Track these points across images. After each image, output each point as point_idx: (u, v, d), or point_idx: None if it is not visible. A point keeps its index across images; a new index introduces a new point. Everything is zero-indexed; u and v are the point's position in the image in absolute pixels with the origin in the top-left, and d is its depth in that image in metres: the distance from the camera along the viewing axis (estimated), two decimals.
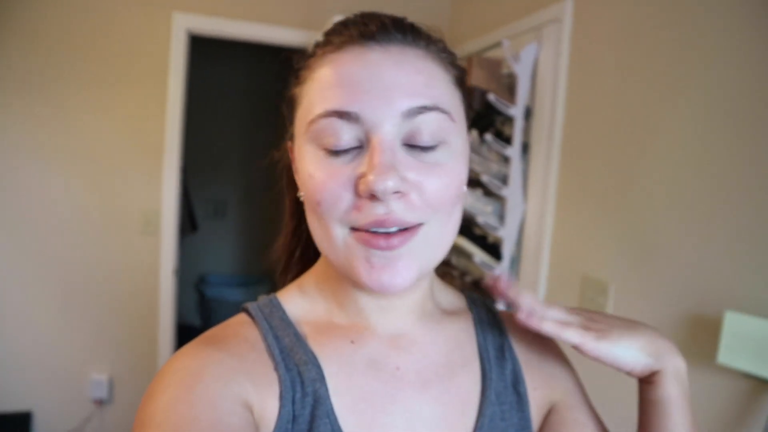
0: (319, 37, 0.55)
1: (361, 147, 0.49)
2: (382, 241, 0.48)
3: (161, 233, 2.50)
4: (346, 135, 0.48)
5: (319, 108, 0.49)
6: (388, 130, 0.48)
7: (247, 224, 4.60)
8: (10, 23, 2.23)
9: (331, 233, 0.50)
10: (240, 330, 0.56)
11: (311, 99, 0.51)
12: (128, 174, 2.45)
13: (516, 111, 1.80)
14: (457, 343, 0.61)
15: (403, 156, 0.48)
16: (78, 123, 2.36)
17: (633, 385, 0.63)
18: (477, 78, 1.88)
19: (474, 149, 1.91)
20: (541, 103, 1.76)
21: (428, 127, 0.49)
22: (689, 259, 1.22)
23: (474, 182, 1.93)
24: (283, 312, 0.58)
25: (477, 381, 0.60)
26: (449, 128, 0.50)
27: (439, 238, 0.51)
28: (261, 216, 4.57)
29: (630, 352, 0.56)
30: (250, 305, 0.59)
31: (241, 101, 4.40)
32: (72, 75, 2.33)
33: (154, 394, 0.46)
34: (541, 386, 0.63)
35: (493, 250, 1.93)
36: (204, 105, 4.09)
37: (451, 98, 0.52)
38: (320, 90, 0.50)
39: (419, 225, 0.50)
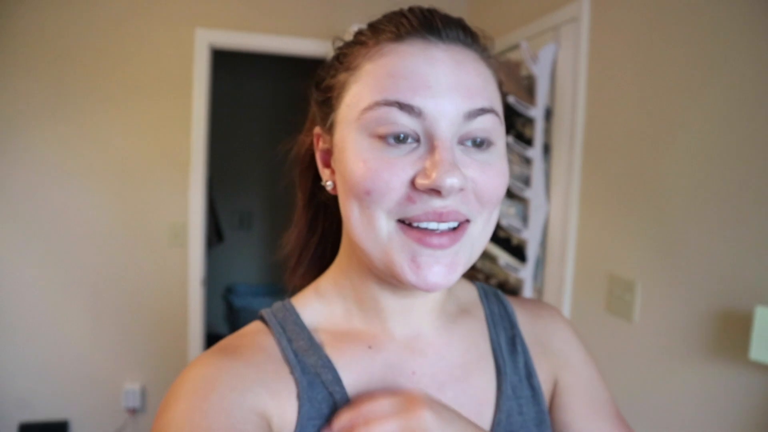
0: (356, 27, 0.54)
1: (418, 141, 0.48)
2: (435, 240, 0.48)
3: (189, 245, 2.55)
4: (405, 128, 0.47)
5: (378, 96, 0.48)
6: (450, 129, 0.48)
7: (272, 234, 4.65)
8: (34, 43, 2.31)
9: (375, 224, 0.49)
10: (255, 338, 0.56)
11: (366, 86, 0.49)
12: (155, 188, 2.51)
13: (536, 112, 1.80)
14: (471, 341, 0.61)
15: (459, 154, 0.49)
16: (105, 139, 2.42)
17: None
18: None
19: None
20: (561, 103, 1.76)
21: (483, 128, 0.49)
22: (716, 255, 1.20)
23: None
24: (297, 316, 0.58)
25: (492, 378, 0.60)
26: (498, 130, 0.51)
27: (479, 236, 0.52)
28: (286, 225, 4.60)
29: None
30: (265, 312, 0.59)
31: (264, 112, 4.47)
32: (98, 93, 2.40)
33: (169, 403, 0.47)
34: (550, 371, 0.64)
35: (518, 252, 1.93)
36: (228, 117, 4.16)
37: (498, 101, 0.53)
38: (379, 78, 0.49)
39: (467, 222, 0.50)
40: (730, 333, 1.16)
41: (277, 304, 0.60)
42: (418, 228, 0.48)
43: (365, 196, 0.48)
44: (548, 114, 1.81)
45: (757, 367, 1.10)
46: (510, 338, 0.63)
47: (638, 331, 1.42)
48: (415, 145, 0.48)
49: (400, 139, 0.47)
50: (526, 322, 0.66)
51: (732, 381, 1.16)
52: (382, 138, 0.48)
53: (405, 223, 0.49)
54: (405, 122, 0.47)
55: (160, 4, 2.43)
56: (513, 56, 2.02)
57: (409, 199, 0.47)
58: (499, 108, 0.52)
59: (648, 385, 1.38)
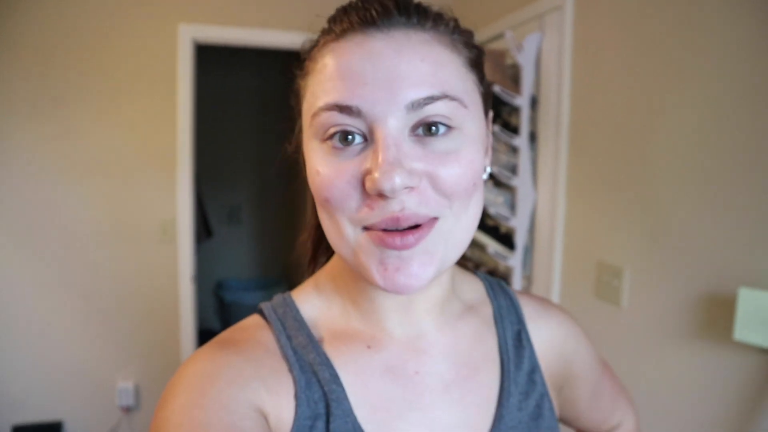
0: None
1: (366, 141, 0.46)
2: (397, 240, 0.45)
3: (178, 241, 2.55)
4: (349, 129, 0.46)
5: (321, 101, 0.47)
6: (392, 123, 0.45)
7: (261, 228, 4.65)
8: (18, 42, 2.28)
9: (342, 231, 0.48)
10: (255, 333, 0.55)
11: (314, 91, 0.49)
12: (143, 184, 2.49)
13: (522, 101, 1.81)
14: (478, 339, 0.60)
15: (410, 147, 0.46)
16: (91, 137, 2.41)
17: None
18: None
19: None
20: (547, 91, 1.77)
21: (437, 116, 0.46)
22: (702, 239, 1.22)
23: None
24: (297, 312, 0.57)
25: (497, 375, 0.59)
26: (461, 114, 0.47)
27: (455, 231, 0.48)
28: (275, 219, 4.61)
29: None
30: (265, 306, 0.58)
31: (250, 106, 4.45)
32: (83, 91, 2.38)
33: (168, 398, 0.47)
34: (555, 366, 0.64)
35: (506, 240, 1.95)
36: (214, 112, 4.14)
37: (462, 82, 0.48)
38: (322, 82, 0.48)
39: (434, 219, 0.47)
40: (715, 315, 1.19)
41: (278, 298, 0.59)
42: (381, 230, 0.46)
43: (327, 204, 0.48)
44: (534, 102, 1.83)
45: (740, 347, 1.13)
46: (516, 332, 0.62)
47: (626, 315, 1.45)
48: (362, 144, 0.46)
49: (347, 141, 0.46)
50: (532, 317, 0.65)
51: (717, 362, 1.19)
52: (331, 143, 0.47)
53: (370, 228, 0.47)
54: (349, 123, 0.46)
55: (143, 0, 2.41)
56: (498, 45, 2.03)
57: (367, 206, 0.46)
58: (461, 89, 0.48)
59: (636, 368, 1.40)
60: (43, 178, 2.38)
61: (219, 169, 4.35)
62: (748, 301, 1.06)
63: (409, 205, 0.45)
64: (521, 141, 1.82)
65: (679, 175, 1.28)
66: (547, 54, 1.76)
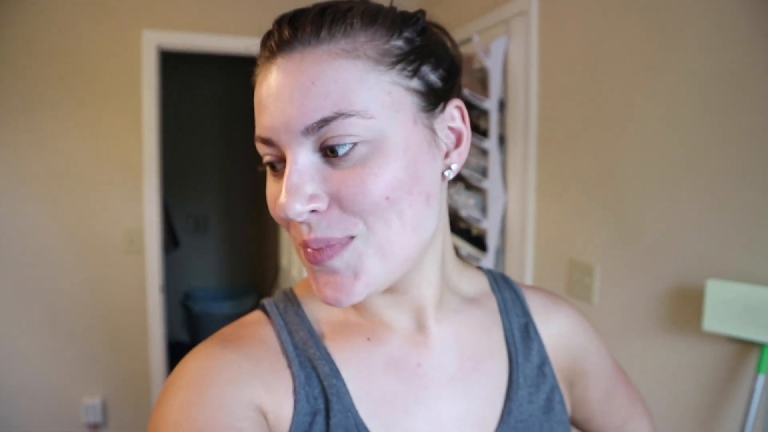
0: None
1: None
2: (317, 255, 0.46)
3: (145, 251, 2.49)
4: (270, 156, 0.48)
5: (256, 131, 0.49)
6: (295, 149, 0.46)
7: (229, 237, 4.59)
8: None
9: (295, 245, 0.51)
10: (255, 329, 0.54)
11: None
12: (108, 194, 2.43)
13: (490, 104, 1.84)
14: (483, 331, 0.59)
15: (317, 171, 0.46)
16: (53, 146, 2.34)
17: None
18: None
19: None
20: (515, 95, 1.80)
21: (337, 135, 0.44)
22: (670, 234, 1.26)
23: (455, 176, 1.96)
24: (299, 306, 0.56)
25: (504, 367, 0.58)
26: (367, 126, 0.44)
27: (384, 245, 0.46)
28: (242, 228, 4.56)
29: None
30: (266, 302, 0.58)
31: (215, 114, 4.39)
32: (46, 99, 2.31)
33: (167, 395, 0.46)
34: (564, 360, 0.63)
35: (478, 242, 1.97)
36: (180, 120, 4.08)
37: (367, 90, 0.45)
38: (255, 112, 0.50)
39: (349, 239, 0.46)
40: (684, 307, 1.22)
41: (280, 293, 0.59)
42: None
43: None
44: (502, 106, 1.86)
45: (709, 337, 1.16)
46: (523, 325, 0.62)
47: (598, 312, 1.48)
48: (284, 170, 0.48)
49: (275, 168, 0.49)
50: (539, 311, 0.64)
51: (687, 352, 1.22)
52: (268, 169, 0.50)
53: None
54: (270, 153, 0.48)
55: (106, 6, 2.35)
56: (466, 50, 2.06)
57: (289, 229, 0.49)
58: (362, 100, 0.44)
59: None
60: (1, 188, 2.30)
61: (184, 178, 4.28)
62: (716, 292, 1.09)
63: (318, 228, 0.46)
64: (491, 144, 1.85)
65: (646, 173, 1.32)
66: (514, 58, 1.80)
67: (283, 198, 0.45)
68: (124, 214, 2.46)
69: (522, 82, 1.76)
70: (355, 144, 0.44)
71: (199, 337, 4.02)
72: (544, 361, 0.61)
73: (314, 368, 0.52)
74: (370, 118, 0.45)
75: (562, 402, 0.61)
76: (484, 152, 1.90)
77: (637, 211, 1.35)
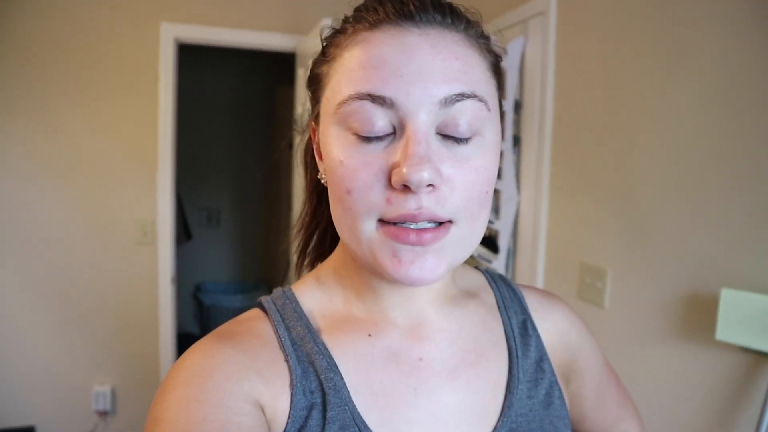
0: (328, 21, 0.53)
1: (394, 134, 0.46)
2: (413, 236, 0.46)
3: (158, 242, 2.51)
4: (379, 121, 0.45)
5: (350, 89, 0.46)
6: (423, 118, 0.45)
7: (241, 231, 4.60)
8: None
9: (357, 226, 0.48)
10: (253, 325, 0.55)
11: (341, 79, 0.48)
12: (122, 185, 2.45)
13: (506, 105, 1.83)
14: (484, 325, 0.60)
15: (437, 147, 0.46)
16: (70, 137, 2.36)
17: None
18: None
19: None
20: (531, 95, 1.79)
21: (464, 116, 0.46)
22: (683, 241, 1.24)
23: None
24: (297, 303, 0.57)
25: (504, 361, 0.59)
26: (485, 118, 0.47)
27: (467, 237, 0.49)
28: (255, 222, 4.57)
29: None
30: (264, 299, 0.58)
31: (231, 108, 4.41)
32: (63, 90, 2.33)
33: (166, 391, 0.47)
34: (562, 357, 0.64)
35: (490, 243, 1.96)
36: (194, 113, 4.10)
37: (487, 86, 0.49)
38: (352, 70, 0.47)
39: (449, 223, 0.47)
40: (697, 316, 1.21)
41: (277, 291, 0.59)
42: (396, 225, 0.46)
43: (347, 197, 0.47)
44: (518, 107, 1.84)
45: (722, 347, 1.15)
46: (521, 321, 0.62)
47: (610, 317, 1.46)
48: (391, 137, 0.46)
49: (375, 132, 0.46)
50: (536, 308, 0.65)
51: (699, 362, 1.21)
52: (357, 134, 0.46)
53: (385, 221, 0.47)
54: (379, 114, 0.45)
55: None
56: None
57: (387, 201, 0.46)
58: (486, 92, 0.48)
59: (620, 368, 1.41)
60: (17, 178, 2.32)
61: (198, 171, 4.30)
62: (730, 301, 1.08)
63: (426, 204, 0.45)
64: (505, 145, 1.84)
65: (661, 178, 1.31)
66: (531, 58, 1.78)
67: (411, 163, 0.43)
68: (138, 206, 2.48)
69: (538, 83, 1.75)
70: (474, 133, 0.47)
71: (208, 330, 4.01)
72: (542, 357, 0.61)
73: (311, 363, 0.52)
74: (489, 110, 0.48)
75: (561, 398, 0.61)
76: None
77: (651, 217, 1.33)
